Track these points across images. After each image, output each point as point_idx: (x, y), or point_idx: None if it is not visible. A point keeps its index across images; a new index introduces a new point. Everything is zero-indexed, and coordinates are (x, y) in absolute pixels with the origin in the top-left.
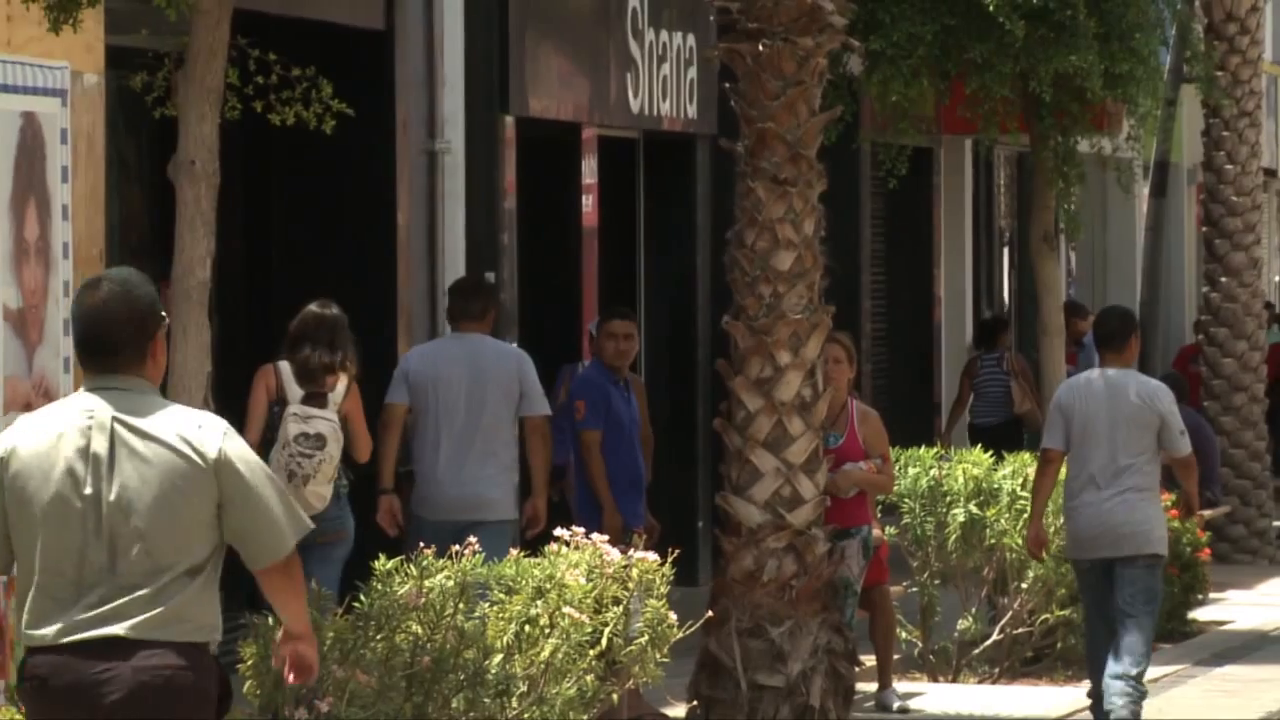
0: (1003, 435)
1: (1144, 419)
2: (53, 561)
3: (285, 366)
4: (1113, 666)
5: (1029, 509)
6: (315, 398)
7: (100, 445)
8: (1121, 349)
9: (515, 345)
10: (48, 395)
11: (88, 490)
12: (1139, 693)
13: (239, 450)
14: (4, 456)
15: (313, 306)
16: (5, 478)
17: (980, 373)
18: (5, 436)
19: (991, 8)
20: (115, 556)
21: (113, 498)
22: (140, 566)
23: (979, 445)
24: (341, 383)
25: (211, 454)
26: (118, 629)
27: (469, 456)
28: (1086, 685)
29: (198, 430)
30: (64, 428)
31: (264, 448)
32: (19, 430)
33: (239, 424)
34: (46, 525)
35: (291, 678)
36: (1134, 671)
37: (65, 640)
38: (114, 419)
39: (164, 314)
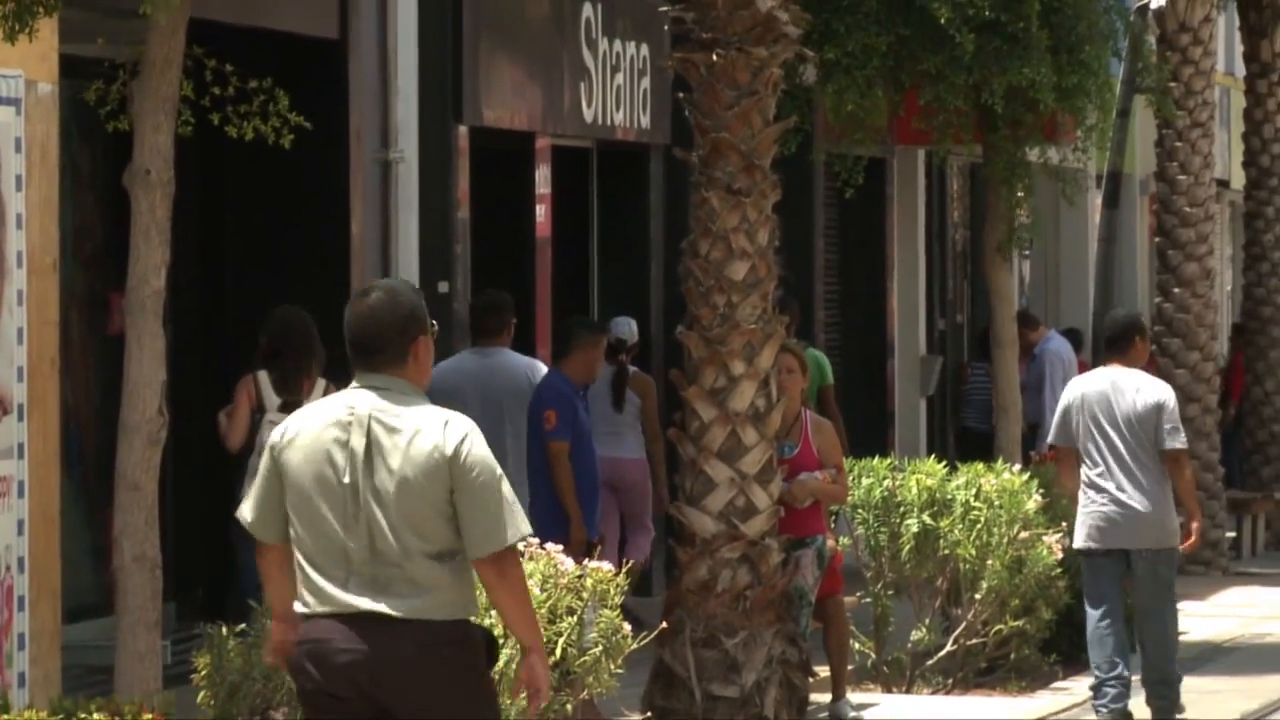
0: (993, 441)
1: (1147, 416)
2: (320, 541)
3: (264, 375)
4: (1148, 671)
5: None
6: (290, 405)
7: (358, 439)
8: (1126, 350)
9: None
10: (2, 405)
11: (346, 479)
12: (1176, 691)
13: (476, 449)
14: (283, 442)
15: (280, 313)
16: (282, 460)
17: (970, 380)
18: (287, 423)
19: (943, 20)
20: (373, 539)
21: (367, 486)
22: (396, 549)
23: (971, 447)
24: (318, 387)
25: (450, 449)
26: (383, 606)
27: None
28: (1040, 696)
29: (443, 428)
30: (329, 420)
31: (248, 455)
32: (298, 418)
33: (197, 431)
34: (313, 507)
35: (524, 700)
36: (1168, 669)
37: (340, 611)
38: (371, 415)
39: (433, 322)
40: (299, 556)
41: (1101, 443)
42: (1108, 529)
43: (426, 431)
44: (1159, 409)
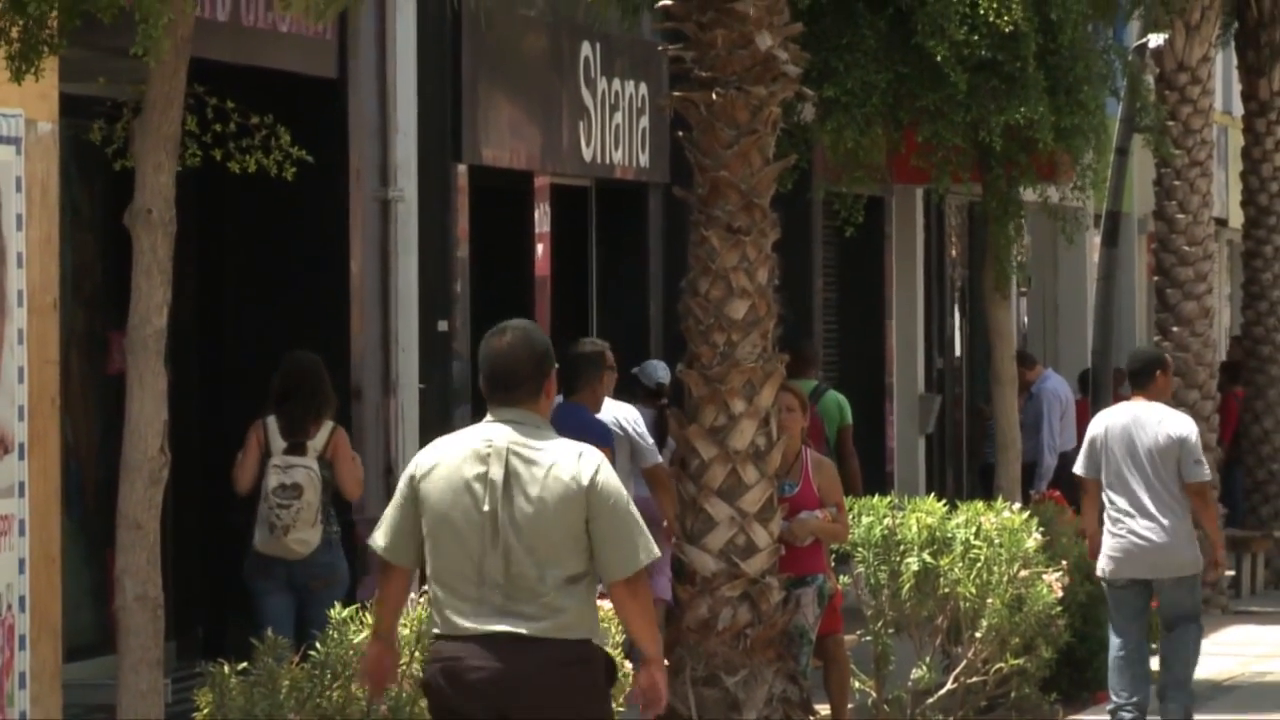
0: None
1: (1169, 449)
2: (458, 565)
3: (272, 421)
4: (1165, 676)
5: (1084, 529)
6: (296, 447)
7: (496, 470)
8: (1148, 385)
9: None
10: (3, 443)
11: (485, 507)
12: (1190, 697)
13: (609, 480)
14: (421, 473)
15: (292, 358)
16: (421, 489)
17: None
18: (424, 455)
19: (939, 58)
20: (509, 564)
21: (506, 515)
22: (531, 574)
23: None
24: (324, 429)
25: (586, 480)
26: (516, 627)
27: None
28: None
29: (577, 460)
30: (468, 451)
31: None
32: (434, 450)
33: (196, 470)
34: (452, 534)
35: (643, 709)
36: (1184, 676)
37: (473, 631)
38: (509, 448)
39: (555, 361)
40: (439, 579)
41: (1125, 475)
42: (1127, 560)
43: (563, 463)
44: (1181, 443)
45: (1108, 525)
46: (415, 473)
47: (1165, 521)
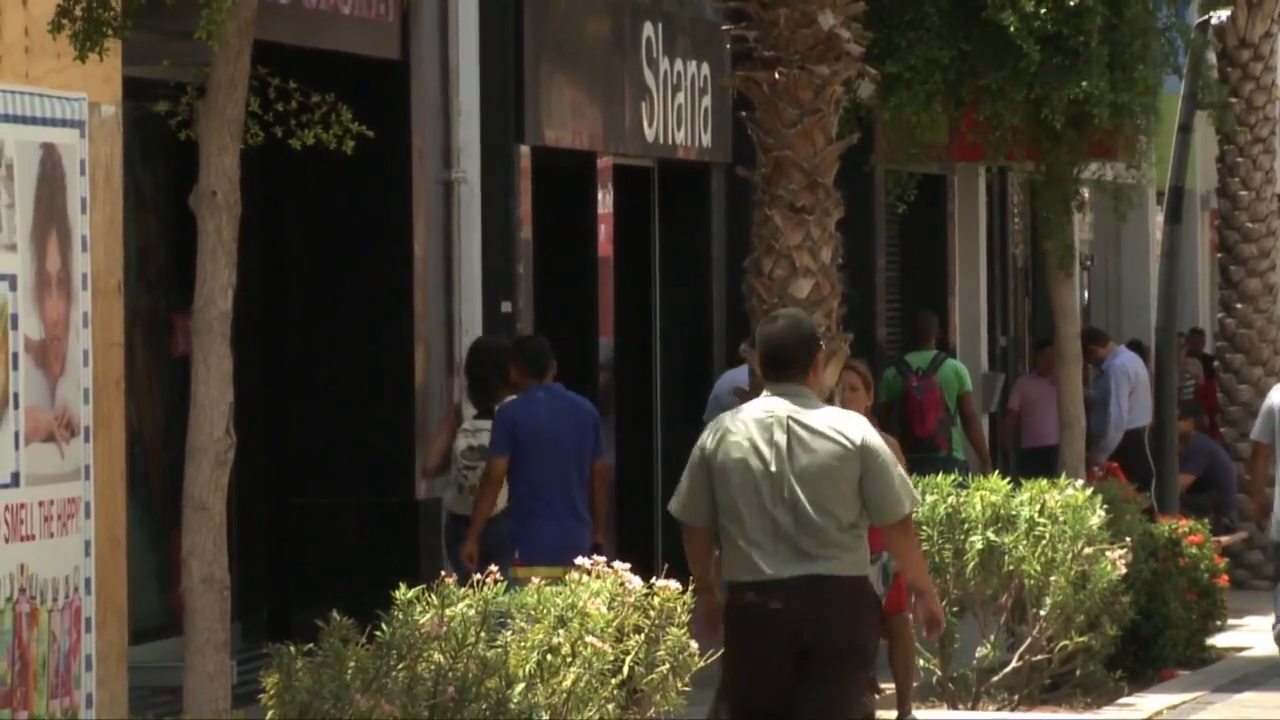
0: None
1: None
2: (750, 520)
3: (462, 396)
4: None
5: (1250, 485)
6: (486, 412)
7: (780, 436)
8: None
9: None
10: (69, 426)
11: (773, 468)
12: None
13: (875, 439)
14: (712, 444)
15: (480, 340)
16: (712, 458)
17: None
18: (715, 425)
19: (1011, 29)
20: (797, 515)
21: (790, 473)
22: (812, 525)
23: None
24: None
25: (856, 441)
26: (810, 568)
27: None
28: (1106, 712)
29: (846, 423)
30: (752, 422)
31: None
32: (724, 422)
33: (258, 454)
34: (744, 493)
35: (925, 633)
36: None
37: (773, 578)
38: (789, 417)
39: (821, 342)
40: (736, 533)
41: None
42: None
43: (837, 427)
44: None
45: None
46: (706, 444)
47: None
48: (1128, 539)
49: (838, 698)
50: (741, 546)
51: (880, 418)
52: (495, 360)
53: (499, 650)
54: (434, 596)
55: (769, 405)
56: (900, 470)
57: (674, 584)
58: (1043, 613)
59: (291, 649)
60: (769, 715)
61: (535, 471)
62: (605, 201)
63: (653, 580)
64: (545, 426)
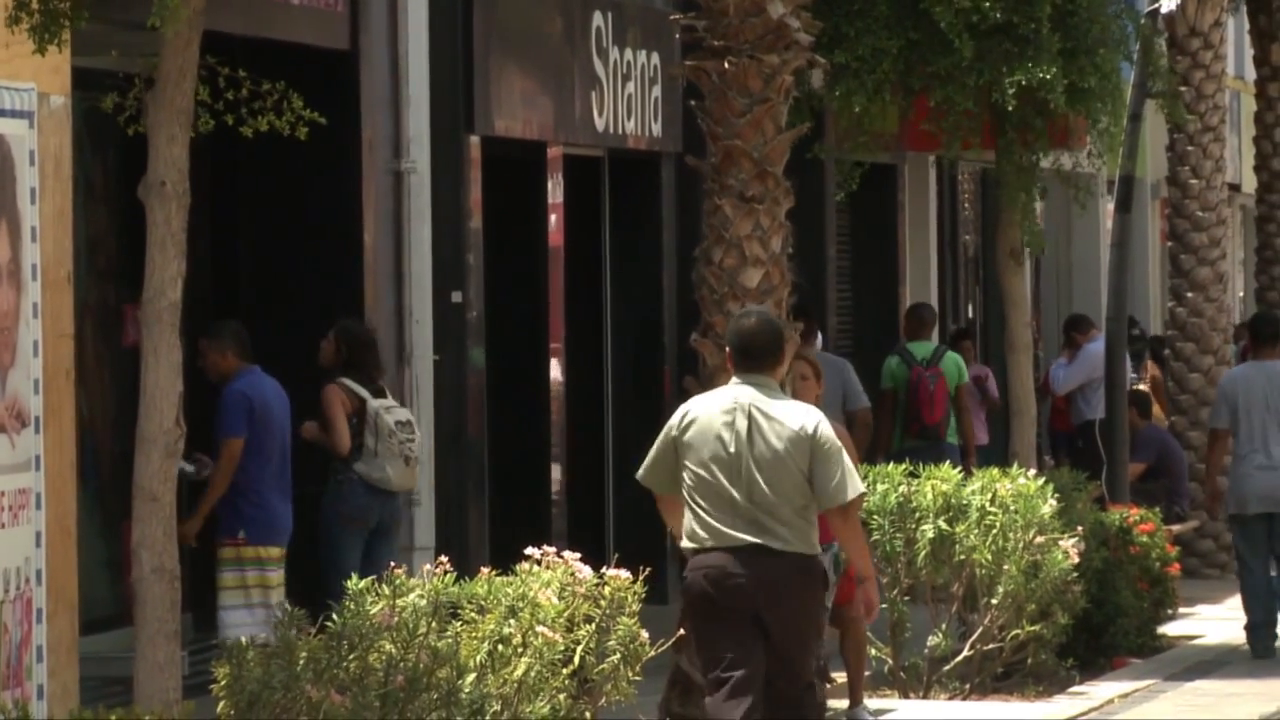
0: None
1: None
2: (713, 494)
3: (346, 381)
4: None
5: (1204, 474)
6: (381, 392)
7: (741, 422)
8: (1276, 344)
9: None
10: (19, 417)
11: (732, 450)
12: None
13: (826, 430)
14: (684, 422)
15: (347, 327)
16: (683, 434)
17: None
18: (687, 407)
19: (944, 25)
20: (751, 495)
21: (749, 455)
22: (766, 502)
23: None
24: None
25: (810, 430)
26: (760, 540)
27: None
28: (1058, 701)
29: (804, 415)
30: (720, 407)
31: (356, 455)
32: (694, 404)
33: (208, 444)
34: (709, 470)
35: (866, 618)
36: None
37: (725, 545)
38: (752, 404)
39: (788, 336)
40: (698, 505)
41: (1257, 424)
42: (1259, 498)
43: (793, 417)
44: None
45: (1243, 468)
46: (676, 422)
47: None
48: (1079, 528)
49: (794, 664)
50: (702, 516)
51: (885, 405)
52: (367, 341)
53: (450, 640)
54: (385, 586)
55: (736, 393)
56: (848, 461)
57: (624, 573)
58: (994, 601)
59: (242, 639)
60: (734, 665)
61: (269, 451)
62: (555, 191)
63: (603, 570)
64: (274, 407)
